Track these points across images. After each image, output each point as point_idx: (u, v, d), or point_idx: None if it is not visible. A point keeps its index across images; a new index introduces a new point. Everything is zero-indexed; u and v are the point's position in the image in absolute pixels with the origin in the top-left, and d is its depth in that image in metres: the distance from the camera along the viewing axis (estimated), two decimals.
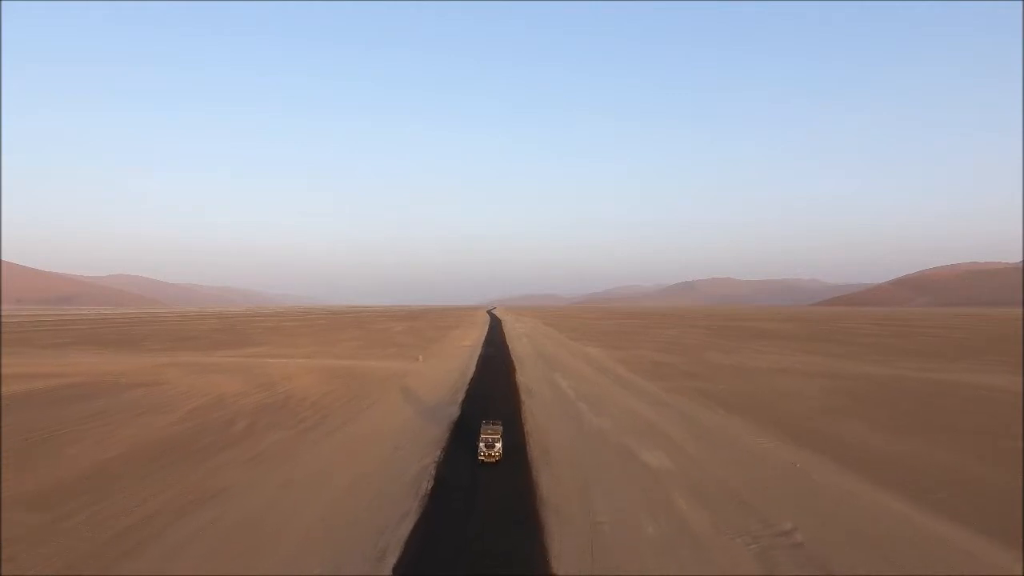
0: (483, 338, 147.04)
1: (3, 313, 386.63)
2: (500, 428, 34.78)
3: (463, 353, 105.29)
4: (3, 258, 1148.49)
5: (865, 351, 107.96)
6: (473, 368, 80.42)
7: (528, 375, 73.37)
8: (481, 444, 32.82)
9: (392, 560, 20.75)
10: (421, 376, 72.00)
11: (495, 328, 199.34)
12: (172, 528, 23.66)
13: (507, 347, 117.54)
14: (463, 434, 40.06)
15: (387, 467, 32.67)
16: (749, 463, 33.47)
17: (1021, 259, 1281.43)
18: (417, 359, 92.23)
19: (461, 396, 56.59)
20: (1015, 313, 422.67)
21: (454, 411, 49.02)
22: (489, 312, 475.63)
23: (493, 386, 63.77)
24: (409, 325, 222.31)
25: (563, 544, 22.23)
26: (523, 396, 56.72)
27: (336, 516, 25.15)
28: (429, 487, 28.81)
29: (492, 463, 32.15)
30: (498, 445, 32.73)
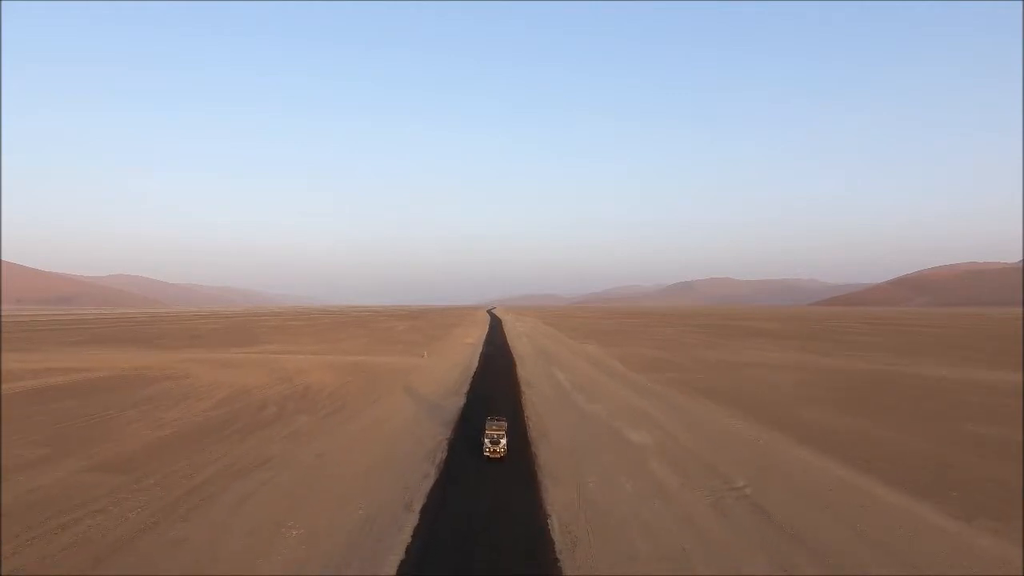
0: (484, 337, 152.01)
1: (7, 313, 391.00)
2: (504, 424, 35.12)
3: (466, 350, 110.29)
4: (3, 258, 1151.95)
5: (845, 348, 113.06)
6: (476, 363, 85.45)
7: (528, 369, 78.41)
8: (486, 440, 33.39)
9: (418, 507, 25.76)
10: (428, 371, 76.98)
11: (495, 327, 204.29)
12: (233, 486, 28.66)
13: (508, 345, 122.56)
14: (470, 418, 45.06)
15: (406, 443, 37.67)
16: (719, 439, 38.50)
17: (1020, 259, 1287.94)
18: (422, 355, 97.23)
19: (466, 388, 61.63)
20: (1011, 312, 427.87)
21: (461, 400, 54.08)
22: (489, 312, 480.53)
23: (495, 379, 68.81)
24: (411, 324, 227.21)
25: (556, 496, 27.27)
26: (523, 387, 61.76)
27: (368, 477, 30.19)
28: (444, 457, 33.86)
29: (497, 459, 33.01)
30: (503, 441, 33.34)
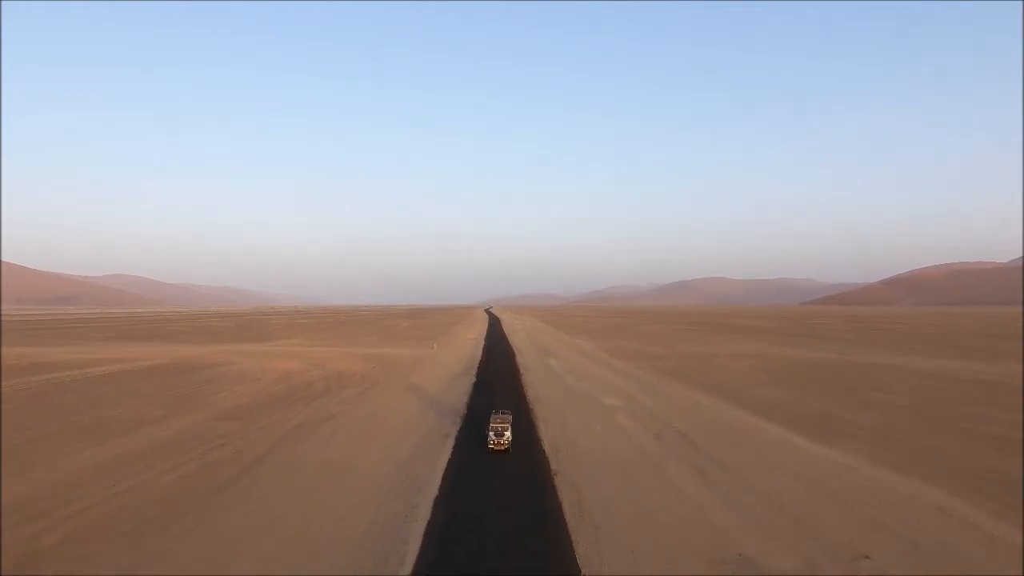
0: (484, 332, 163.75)
1: (20, 314, 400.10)
2: (509, 418, 35.49)
3: (469, 344, 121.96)
4: (3, 258, 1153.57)
5: (811, 341, 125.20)
6: (480, 354, 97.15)
7: (526, 358, 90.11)
8: (491, 433, 33.74)
9: (452, 439, 37.31)
10: (440, 360, 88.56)
11: (494, 325, 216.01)
12: (319, 428, 40.16)
13: (507, 339, 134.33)
14: (481, 391, 56.70)
15: (435, 406, 49.24)
16: (674, 404, 50.21)
17: (1009, 260, 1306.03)
18: (432, 348, 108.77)
19: (475, 371, 73.30)
20: (994, 311, 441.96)
21: (472, 378, 65.84)
22: (487, 311, 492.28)
23: (498, 365, 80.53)
24: (414, 323, 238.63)
25: (546, 432, 38.89)
26: (522, 371, 73.46)
27: (412, 424, 41.79)
28: (464, 413, 45.46)
29: (501, 451, 33.22)
30: (507, 434, 33.66)
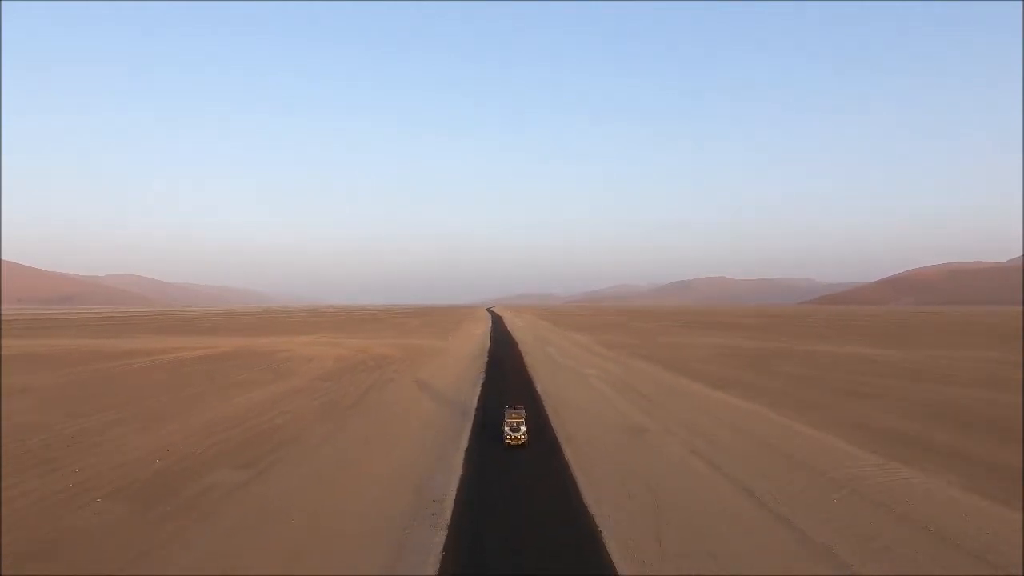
0: (490, 328, 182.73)
1: (46, 313, 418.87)
2: (523, 413, 35.37)
3: (478, 337, 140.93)
4: (3, 257, 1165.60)
5: (778, 335, 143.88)
6: (488, 344, 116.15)
7: (526, 347, 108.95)
8: (506, 428, 33.63)
9: (480, 386, 56.00)
10: (456, 348, 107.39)
11: (498, 322, 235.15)
12: (387, 386, 58.82)
13: (510, 333, 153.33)
14: (494, 365, 75.55)
15: (465, 375, 67.98)
16: (634, 374, 68.88)
17: (1007, 259, 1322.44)
18: (447, 339, 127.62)
19: (486, 355, 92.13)
20: (988, 310, 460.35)
21: (485, 358, 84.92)
22: (489, 310, 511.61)
23: (505, 351, 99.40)
24: (423, 320, 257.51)
25: (541, 388, 57.67)
26: (524, 355, 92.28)
27: (456, 382, 60.61)
28: (483, 379, 64.25)
29: (518, 445, 33.35)
30: (523, 428, 33.74)
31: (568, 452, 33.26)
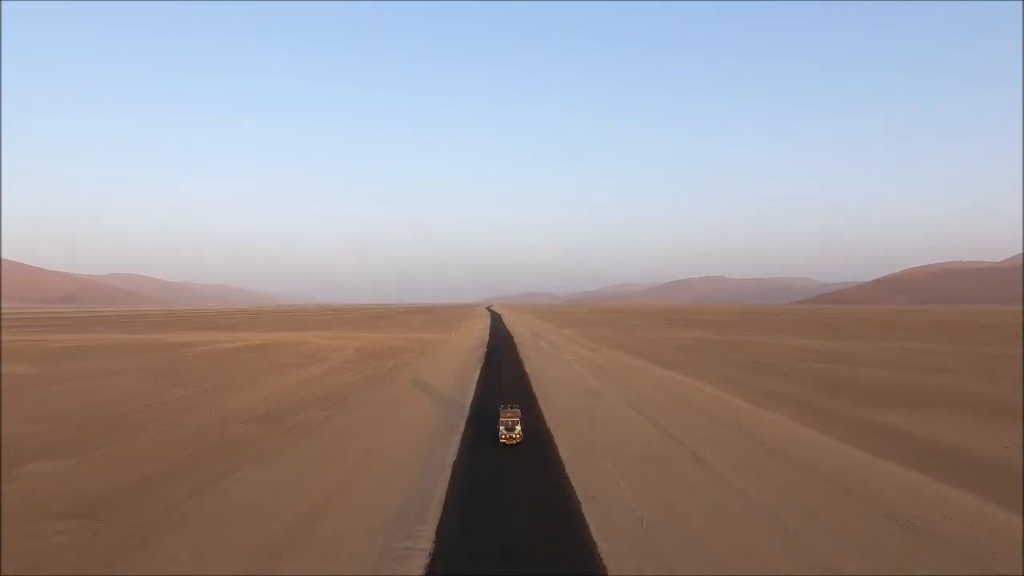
0: (489, 325, 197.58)
1: (65, 311, 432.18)
2: (519, 412, 34.99)
3: (479, 332, 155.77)
4: (3, 256, 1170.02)
5: (742, 330, 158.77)
6: (488, 337, 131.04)
7: (521, 340, 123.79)
8: (502, 427, 33.51)
9: (480, 367, 70.79)
10: (459, 341, 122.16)
11: (496, 320, 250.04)
12: (404, 367, 73.49)
13: (507, 329, 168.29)
14: (493, 352, 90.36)
15: (468, 359, 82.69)
16: (611, 360, 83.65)
17: (1004, 259, 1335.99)
18: (450, 334, 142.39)
19: (486, 346, 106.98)
20: (980, 309, 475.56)
21: (485, 348, 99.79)
22: (488, 309, 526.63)
23: (502, 343, 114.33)
24: (425, 318, 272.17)
25: (529, 367, 72.46)
26: (518, 345, 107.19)
27: (461, 364, 75.33)
28: (483, 364, 78.97)
29: (513, 444, 33.17)
30: (518, 427, 33.47)
31: (542, 404, 48.04)
